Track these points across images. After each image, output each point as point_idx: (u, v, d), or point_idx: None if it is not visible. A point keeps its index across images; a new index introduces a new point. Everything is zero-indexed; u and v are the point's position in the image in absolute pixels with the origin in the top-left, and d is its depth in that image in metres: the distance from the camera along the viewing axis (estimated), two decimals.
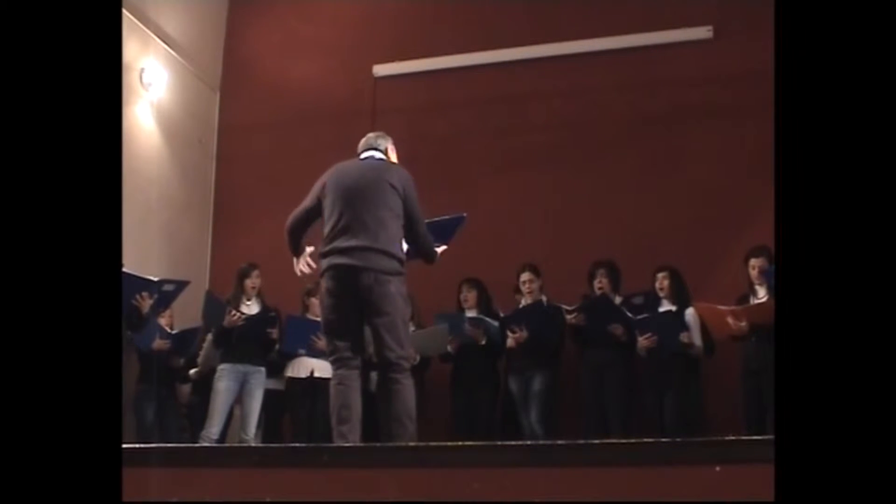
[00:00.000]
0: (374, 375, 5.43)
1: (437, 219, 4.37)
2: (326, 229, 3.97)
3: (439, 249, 4.27)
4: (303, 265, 4.21)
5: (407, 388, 3.82)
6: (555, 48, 7.19)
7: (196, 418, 6.08)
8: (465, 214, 4.53)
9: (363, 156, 4.17)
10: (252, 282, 5.89)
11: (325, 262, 3.92)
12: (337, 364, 3.88)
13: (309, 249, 4.21)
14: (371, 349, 3.99)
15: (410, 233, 4.02)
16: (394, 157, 4.23)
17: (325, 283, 3.91)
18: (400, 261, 3.88)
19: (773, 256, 5.27)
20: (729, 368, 5.50)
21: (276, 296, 6.04)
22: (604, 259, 5.88)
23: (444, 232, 4.39)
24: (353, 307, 3.85)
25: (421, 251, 4.16)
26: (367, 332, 3.97)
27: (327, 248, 3.92)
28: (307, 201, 4.12)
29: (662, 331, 5.41)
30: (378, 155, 4.15)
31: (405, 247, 4.06)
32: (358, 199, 3.91)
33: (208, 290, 6.69)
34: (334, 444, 3.64)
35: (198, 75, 7.78)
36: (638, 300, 5.80)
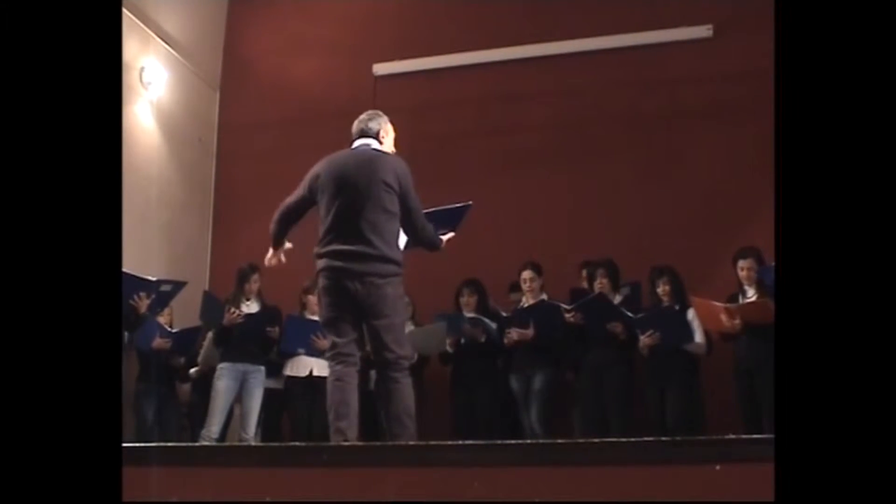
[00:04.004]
0: (373, 374, 5.48)
1: (442, 207, 4.30)
2: (321, 229, 3.92)
3: (445, 237, 4.20)
4: (275, 260, 4.17)
5: (405, 387, 3.79)
6: (555, 47, 7.19)
7: (196, 417, 6.08)
8: (470, 202, 4.46)
9: (356, 144, 4.04)
10: (251, 286, 5.88)
11: (320, 263, 3.88)
12: (335, 360, 3.85)
13: (287, 246, 4.16)
14: (368, 348, 3.98)
15: (409, 225, 3.95)
16: (388, 140, 4.08)
17: (321, 282, 3.89)
18: (397, 263, 3.84)
19: (762, 257, 5.28)
20: (728, 367, 5.50)
21: (276, 296, 6.03)
22: (603, 258, 5.87)
23: (450, 219, 4.30)
24: (349, 308, 3.83)
25: (422, 242, 4.08)
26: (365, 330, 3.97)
27: (322, 251, 3.88)
28: (299, 191, 4.03)
29: (664, 328, 5.41)
30: (372, 143, 4.01)
31: (404, 239, 3.99)
32: (352, 199, 3.83)
33: (206, 291, 6.68)
34: (334, 444, 3.63)
35: (198, 74, 7.78)
36: (625, 291, 5.80)
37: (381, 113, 4.13)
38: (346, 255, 3.79)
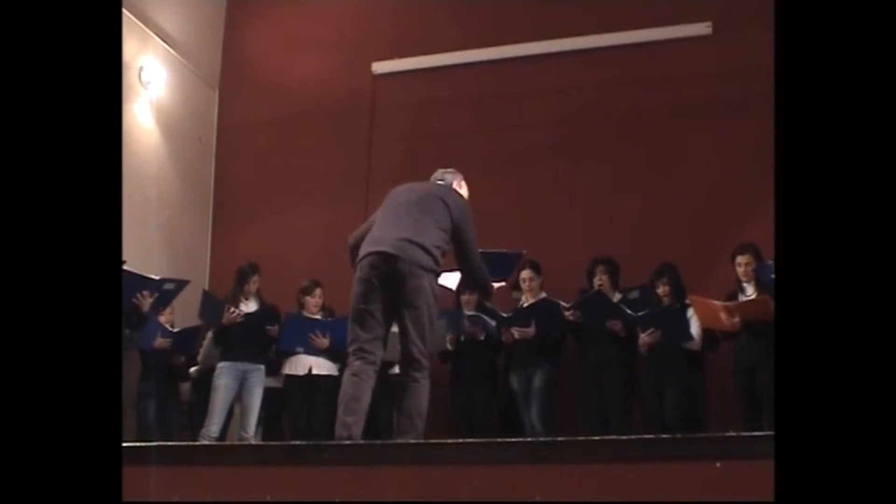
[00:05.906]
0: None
1: (493, 250, 4.37)
2: (370, 232, 4.04)
3: (497, 285, 4.32)
4: None
5: (423, 388, 3.82)
6: (554, 45, 7.18)
7: (196, 416, 6.08)
8: (523, 251, 4.51)
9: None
10: (250, 286, 5.88)
11: (362, 251, 3.93)
12: (355, 356, 3.85)
13: None
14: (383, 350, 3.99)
15: (463, 259, 4.07)
16: (462, 192, 4.27)
17: (358, 272, 3.92)
18: (435, 259, 3.89)
19: (759, 253, 5.28)
20: (728, 364, 5.50)
21: (275, 294, 6.03)
22: (603, 256, 5.87)
23: (501, 266, 4.39)
24: (383, 297, 3.85)
25: (475, 280, 4.22)
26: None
27: (367, 238, 3.96)
28: (371, 218, 4.19)
29: (665, 327, 5.40)
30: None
31: (457, 277, 4.12)
32: (406, 205, 4.00)
33: (205, 290, 6.68)
34: (334, 443, 3.63)
35: (197, 73, 7.77)
36: (634, 294, 5.79)
37: (458, 172, 4.33)
38: (389, 241, 3.86)
